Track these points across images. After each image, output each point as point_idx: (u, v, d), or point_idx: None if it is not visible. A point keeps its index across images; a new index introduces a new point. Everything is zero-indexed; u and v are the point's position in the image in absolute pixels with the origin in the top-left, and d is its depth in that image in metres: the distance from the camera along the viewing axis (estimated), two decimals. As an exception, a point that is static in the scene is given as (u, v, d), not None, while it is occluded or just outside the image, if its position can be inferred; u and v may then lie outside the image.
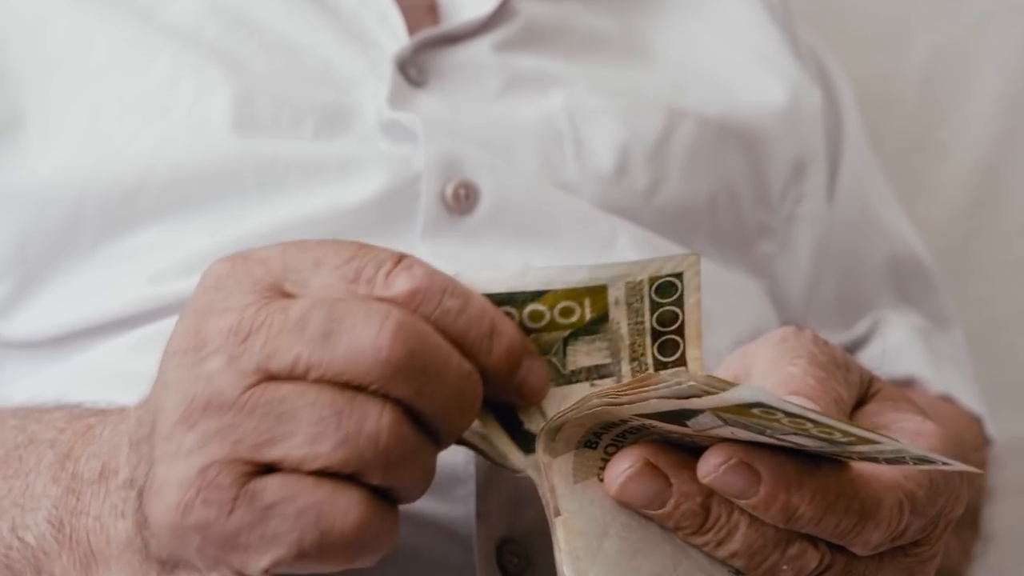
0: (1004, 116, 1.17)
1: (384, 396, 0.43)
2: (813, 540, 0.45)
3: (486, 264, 0.66)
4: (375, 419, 0.42)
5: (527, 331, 0.46)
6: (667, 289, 0.43)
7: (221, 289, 0.45)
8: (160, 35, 0.69)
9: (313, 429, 0.42)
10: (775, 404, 0.39)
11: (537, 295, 0.43)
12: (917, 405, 0.50)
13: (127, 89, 0.68)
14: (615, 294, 0.43)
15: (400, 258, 0.45)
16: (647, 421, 0.44)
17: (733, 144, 0.76)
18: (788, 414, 0.40)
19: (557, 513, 0.46)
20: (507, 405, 0.48)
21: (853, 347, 0.84)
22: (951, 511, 0.47)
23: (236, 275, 0.45)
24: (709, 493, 0.44)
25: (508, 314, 0.44)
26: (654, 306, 0.43)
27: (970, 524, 0.81)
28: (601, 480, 0.46)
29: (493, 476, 0.55)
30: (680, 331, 0.45)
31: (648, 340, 0.45)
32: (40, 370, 0.66)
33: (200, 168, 0.66)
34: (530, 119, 0.71)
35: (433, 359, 0.43)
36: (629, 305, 0.43)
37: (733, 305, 0.72)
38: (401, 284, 0.44)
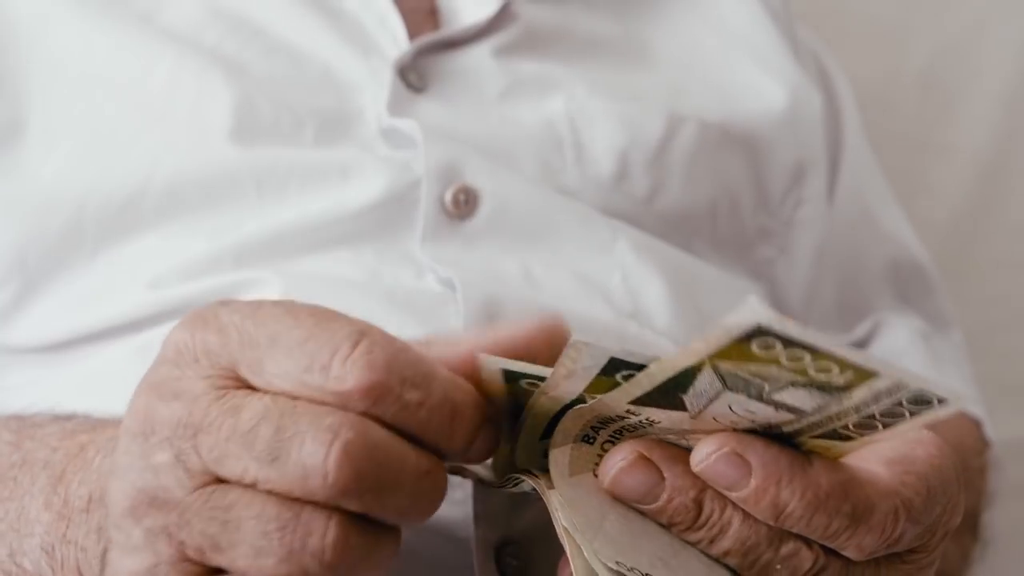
0: (1004, 116, 1.17)
1: (334, 508, 0.42)
2: (807, 541, 0.45)
3: (486, 269, 0.66)
4: (320, 535, 0.42)
5: (768, 361, 0.42)
6: (920, 402, 0.42)
7: (178, 365, 0.44)
8: (160, 40, 0.69)
9: (258, 542, 0.42)
10: (774, 327, 0.39)
11: (811, 347, 0.41)
12: None
13: (128, 95, 0.68)
14: (878, 383, 0.42)
15: (359, 340, 0.43)
16: (643, 415, 0.44)
17: (734, 149, 0.76)
18: (786, 341, 0.39)
19: (551, 486, 0.46)
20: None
21: (853, 349, 0.84)
22: (949, 519, 0.47)
23: (194, 350, 0.44)
24: (702, 488, 0.44)
25: (767, 345, 0.40)
26: (895, 403, 0.42)
27: (969, 528, 0.81)
28: (596, 475, 0.46)
29: (491, 477, 0.55)
30: (889, 424, 0.43)
31: (856, 415, 0.42)
32: (41, 377, 0.66)
33: (201, 174, 0.66)
34: (530, 124, 0.71)
35: (385, 474, 0.42)
36: (877, 393, 0.42)
37: (733, 309, 0.72)
38: (358, 377, 0.42)
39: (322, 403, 0.42)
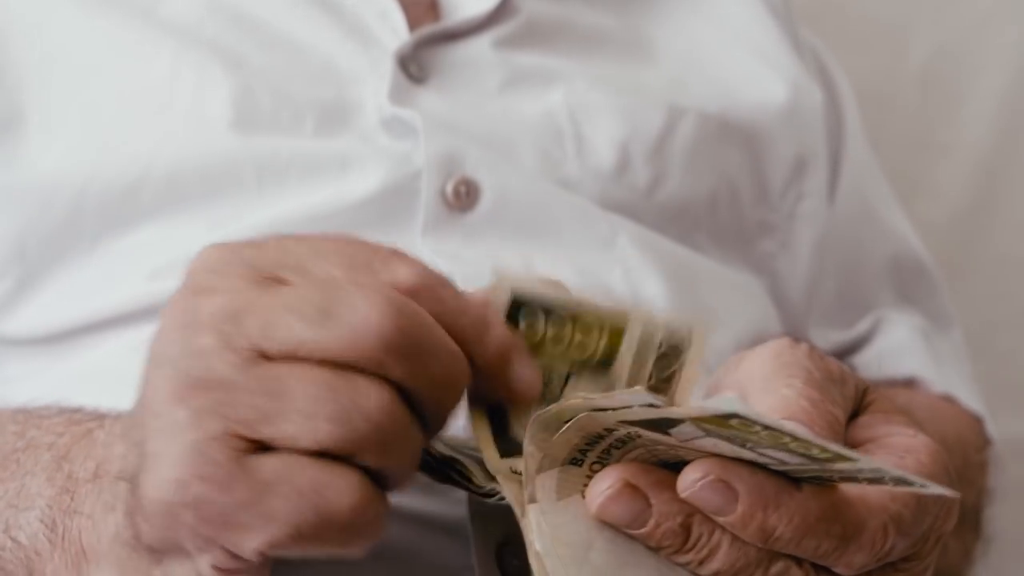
0: (1004, 116, 1.17)
1: (378, 376, 0.42)
2: (797, 559, 0.45)
3: (486, 262, 0.65)
4: (369, 397, 0.42)
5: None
6: (904, 483, 0.41)
7: (214, 272, 0.44)
8: (160, 32, 0.69)
9: (308, 406, 0.41)
10: (751, 416, 0.39)
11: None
12: (911, 417, 0.49)
13: (127, 86, 0.68)
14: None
15: (395, 250, 0.45)
16: (633, 429, 0.44)
17: (734, 141, 0.76)
18: (765, 426, 0.40)
19: (532, 500, 0.45)
20: (499, 407, 0.48)
21: (854, 346, 0.84)
22: (942, 526, 0.47)
23: (229, 258, 0.44)
24: (690, 513, 0.44)
25: (746, 424, 0.41)
26: (878, 480, 0.42)
27: (971, 525, 0.81)
28: (584, 496, 0.46)
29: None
30: (873, 482, 0.43)
31: (838, 477, 0.43)
32: (41, 369, 0.66)
33: (200, 165, 0.66)
34: (531, 116, 0.71)
35: (427, 338, 0.43)
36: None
37: (734, 303, 0.72)
38: (400, 273, 0.44)
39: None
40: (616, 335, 0.41)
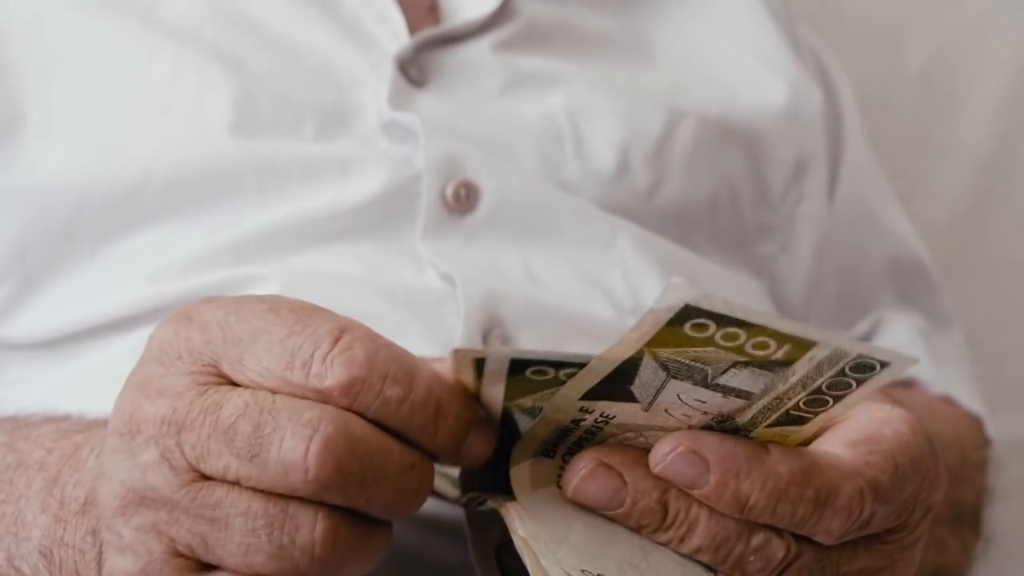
0: (1004, 116, 1.17)
1: (319, 503, 0.42)
2: (777, 530, 0.45)
3: (486, 264, 0.66)
4: (308, 530, 0.42)
5: (704, 343, 0.42)
6: (864, 368, 0.41)
7: (162, 362, 0.44)
8: (160, 35, 0.69)
9: (247, 540, 0.42)
10: (703, 305, 0.39)
11: (744, 323, 0.41)
12: (889, 396, 0.49)
13: (127, 89, 0.68)
14: (817, 353, 0.42)
15: (339, 336, 0.43)
16: (597, 411, 0.44)
17: (734, 144, 0.76)
18: (718, 319, 0.39)
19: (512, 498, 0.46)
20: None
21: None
22: (927, 497, 0.47)
23: (177, 347, 0.44)
24: (665, 489, 0.44)
25: (700, 326, 0.40)
26: (839, 373, 0.42)
27: (971, 524, 0.81)
28: (559, 487, 0.46)
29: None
30: (840, 398, 0.43)
31: (804, 392, 0.43)
32: (41, 373, 0.66)
33: (200, 169, 0.65)
34: (531, 119, 0.71)
35: (368, 468, 0.42)
36: (819, 364, 0.42)
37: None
38: (338, 373, 0.42)
39: (303, 399, 0.42)
40: (801, 348, 0.41)
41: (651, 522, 0.45)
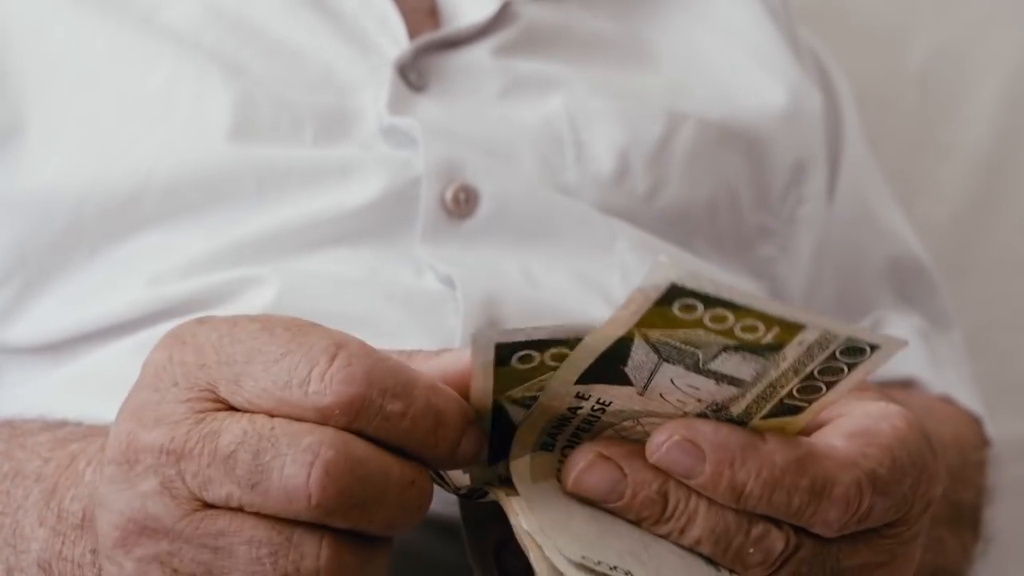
0: (1004, 116, 1.17)
1: (323, 527, 0.42)
2: (777, 523, 0.45)
3: (485, 268, 0.66)
4: (313, 557, 0.42)
5: (693, 325, 0.41)
6: (854, 352, 0.41)
7: (157, 388, 0.44)
8: (160, 40, 0.69)
9: (251, 568, 0.42)
10: (690, 286, 0.39)
11: (731, 305, 0.41)
12: (887, 395, 0.49)
13: (127, 94, 0.68)
14: (806, 336, 0.42)
15: (336, 352, 0.42)
16: (593, 396, 0.44)
17: (733, 147, 0.76)
18: (705, 300, 0.39)
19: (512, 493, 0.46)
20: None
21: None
22: (926, 491, 0.47)
23: (172, 372, 0.44)
24: (665, 480, 0.44)
25: (688, 306, 0.40)
26: (830, 357, 0.41)
27: (970, 524, 0.81)
28: (560, 480, 0.46)
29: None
30: (832, 383, 0.43)
31: (796, 379, 0.43)
32: (41, 375, 0.66)
33: (200, 173, 0.66)
34: (530, 123, 0.71)
35: (369, 489, 0.42)
36: (809, 348, 0.42)
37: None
38: (337, 391, 0.42)
39: (302, 420, 0.42)
40: (790, 331, 0.41)
41: (651, 514, 0.45)
